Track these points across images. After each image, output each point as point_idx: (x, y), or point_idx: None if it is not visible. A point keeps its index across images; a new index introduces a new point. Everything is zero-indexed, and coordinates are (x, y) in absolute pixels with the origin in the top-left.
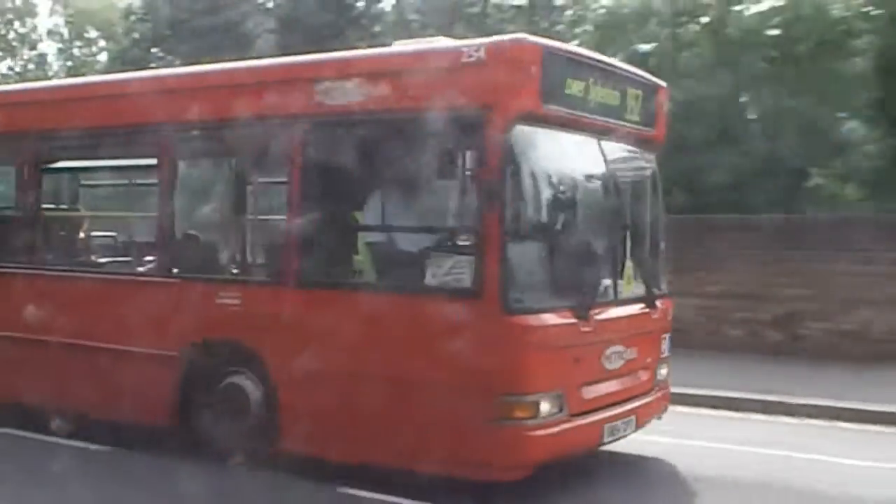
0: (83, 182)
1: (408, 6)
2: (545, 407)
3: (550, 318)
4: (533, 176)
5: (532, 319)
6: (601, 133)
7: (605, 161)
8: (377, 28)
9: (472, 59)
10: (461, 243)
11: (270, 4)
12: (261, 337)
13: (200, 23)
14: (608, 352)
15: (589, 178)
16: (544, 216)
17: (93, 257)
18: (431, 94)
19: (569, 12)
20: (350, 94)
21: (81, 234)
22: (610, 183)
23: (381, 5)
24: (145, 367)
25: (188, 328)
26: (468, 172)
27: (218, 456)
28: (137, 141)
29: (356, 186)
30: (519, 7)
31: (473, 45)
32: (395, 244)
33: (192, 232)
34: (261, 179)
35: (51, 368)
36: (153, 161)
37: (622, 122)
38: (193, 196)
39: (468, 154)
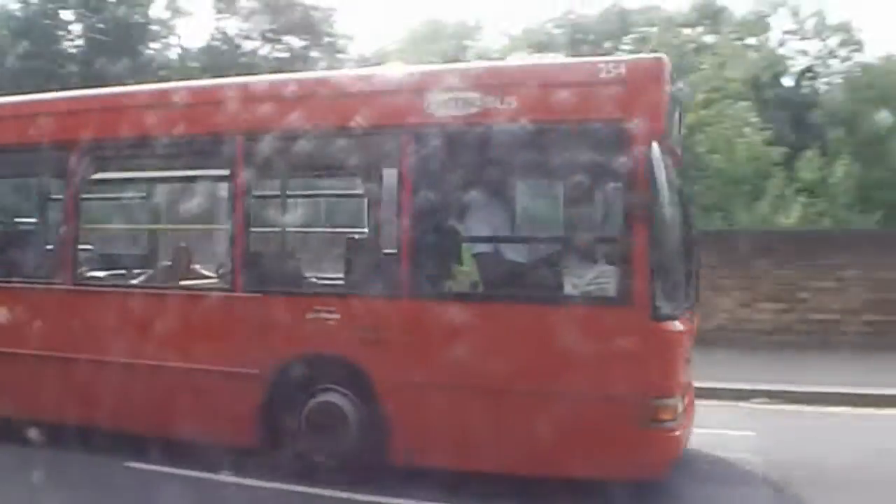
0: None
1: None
2: (679, 409)
3: (680, 324)
4: (665, 188)
5: (672, 325)
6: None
7: (677, 176)
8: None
9: (611, 74)
10: (603, 253)
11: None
12: (361, 349)
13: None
14: (686, 356)
15: (678, 190)
16: (673, 226)
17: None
18: (569, 107)
19: None
20: (476, 104)
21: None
22: (683, 196)
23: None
24: (226, 386)
25: (274, 344)
26: (612, 184)
27: (309, 472)
28: (221, 151)
29: (480, 196)
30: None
31: (611, 61)
32: (526, 254)
33: (283, 245)
34: (373, 190)
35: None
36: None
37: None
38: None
39: (611, 166)
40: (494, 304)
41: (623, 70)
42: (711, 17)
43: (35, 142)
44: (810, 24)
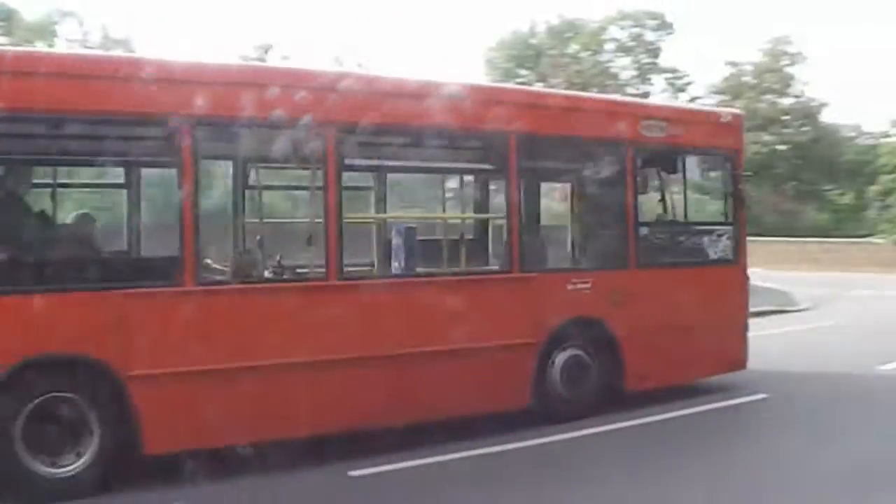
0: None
1: None
2: None
3: None
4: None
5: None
6: None
7: None
8: None
9: (727, 120)
10: (724, 232)
11: None
12: (607, 309)
13: None
14: None
15: None
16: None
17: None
18: (703, 138)
19: None
20: (659, 130)
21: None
22: None
23: None
24: (504, 358)
25: (546, 316)
26: (728, 189)
27: (566, 417)
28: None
29: (656, 197)
30: None
31: (724, 112)
32: (690, 236)
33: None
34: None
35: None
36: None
37: None
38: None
39: (727, 178)
40: (680, 269)
41: (731, 118)
42: (6, 20)
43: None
44: (96, 36)
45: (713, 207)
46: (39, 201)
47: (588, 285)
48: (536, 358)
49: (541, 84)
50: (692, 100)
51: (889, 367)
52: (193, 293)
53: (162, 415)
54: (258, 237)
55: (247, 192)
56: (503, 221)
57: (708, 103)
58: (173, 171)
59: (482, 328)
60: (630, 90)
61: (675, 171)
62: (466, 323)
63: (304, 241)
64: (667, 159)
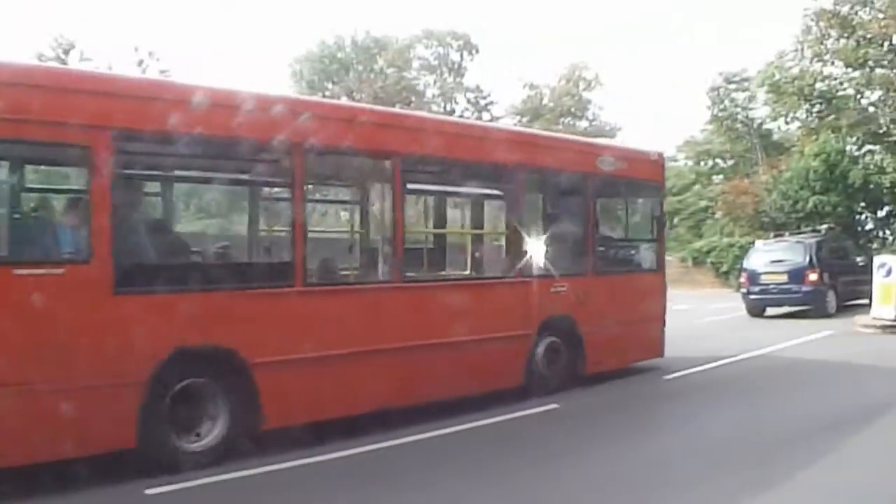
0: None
1: None
2: None
3: None
4: None
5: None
6: None
7: None
8: None
9: (654, 158)
10: (651, 247)
11: None
12: (574, 307)
13: None
14: None
15: None
16: None
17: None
18: (638, 172)
19: None
20: (609, 165)
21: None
22: None
23: None
24: (506, 346)
25: (537, 312)
26: (654, 213)
27: (547, 391)
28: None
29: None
30: None
31: (652, 151)
32: (628, 249)
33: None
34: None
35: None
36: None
37: None
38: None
39: (654, 204)
40: (616, 276)
41: (657, 156)
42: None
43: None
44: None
45: (643, 226)
46: (191, 222)
47: (565, 288)
48: (530, 345)
49: (346, 98)
50: (492, 119)
51: (672, 376)
52: (301, 292)
53: (278, 395)
54: (350, 245)
55: (342, 210)
56: (508, 237)
57: (507, 123)
58: (288, 193)
59: (498, 321)
60: (435, 108)
61: (618, 197)
62: (489, 317)
63: (381, 251)
64: (613, 188)
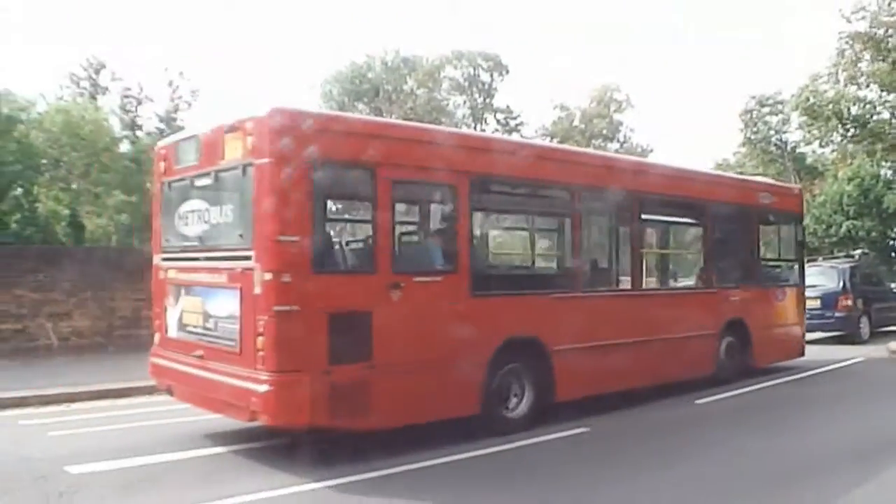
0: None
1: None
2: None
3: None
4: None
5: None
6: None
7: None
8: None
9: (795, 192)
10: (793, 265)
11: None
12: (746, 312)
13: None
14: None
15: None
16: None
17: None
18: (781, 205)
19: None
20: (767, 198)
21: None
22: None
23: None
24: (704, 342)
25: (723, 315)
26: (797, 237)
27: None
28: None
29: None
30: None
31: (794, 186)
32: (781, 267)
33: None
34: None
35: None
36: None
37: None
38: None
39: (797, 230)
40: (773, 288)
41: (796, 191)
42: None
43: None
44: None
45: (788, 248)
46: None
47: (738, 298)
48: (719, 342)
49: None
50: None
51: (704, 400)
52: (581, 297)
53: (567, 374)
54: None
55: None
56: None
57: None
58: (571, 223)
59: (695, 322)
60: (464, 128)
61: (771, 224)
62: (689, 319)
63: (627, 266)
64: (769, 217)
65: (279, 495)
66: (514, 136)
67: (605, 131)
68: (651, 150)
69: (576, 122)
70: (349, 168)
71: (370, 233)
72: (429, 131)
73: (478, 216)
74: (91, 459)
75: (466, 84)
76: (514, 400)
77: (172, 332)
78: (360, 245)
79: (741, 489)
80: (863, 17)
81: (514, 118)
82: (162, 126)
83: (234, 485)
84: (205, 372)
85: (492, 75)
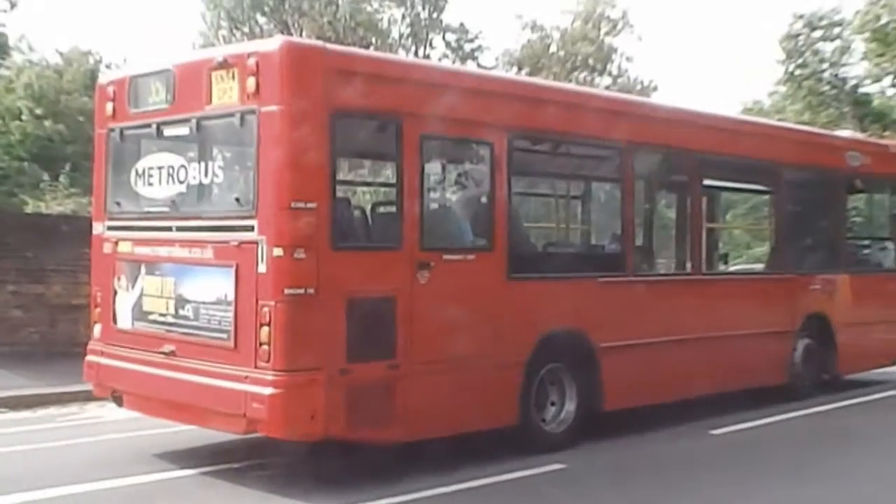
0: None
1: None
2: None
3: None
4: None
5: None
6: None
7: None
8: None
9: (892, 150)
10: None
11: None
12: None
13: None
14: None
15: None
16: None
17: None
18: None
19: None
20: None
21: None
22: None
23: None
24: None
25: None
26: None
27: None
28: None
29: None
30: None
31: (892, 144)
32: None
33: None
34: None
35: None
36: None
37: None
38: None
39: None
40: (864, 275)
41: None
42: None
43: None
44: None
45: (882, 223)
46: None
47: (819, 287)
48: (795, 340)
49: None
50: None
51: (720, 431)
52: (633, 281)
53: (617, 378)
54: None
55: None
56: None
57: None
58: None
59: (765, 317)
60: (402, 52)
61: (863, 193)
62: (758, 312)
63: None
64: (859, 184)
65: None
66: (470, 65)
67: (591, 60)
68: (654, 88)
69: (553, 48)
70: (374, 119)
71: (394, 199)
72: (464, 75)
73: (518, 182)
74: None
75: None
76: (551, 409)
77: (125, 322)
78: (384, 214)
79: None
80: None
81: (470, 41)
82: None
83: None
84: (176, 373)
85: None
